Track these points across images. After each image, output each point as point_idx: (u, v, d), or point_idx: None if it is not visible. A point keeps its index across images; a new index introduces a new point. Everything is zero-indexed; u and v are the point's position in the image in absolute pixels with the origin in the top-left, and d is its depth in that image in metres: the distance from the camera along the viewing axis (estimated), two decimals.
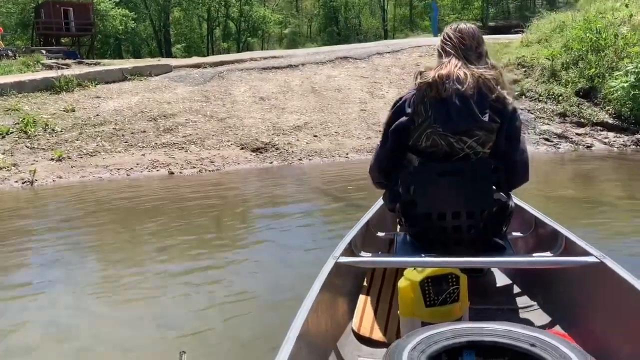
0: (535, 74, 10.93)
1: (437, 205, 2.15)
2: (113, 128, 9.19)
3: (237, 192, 6.61)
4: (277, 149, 8.77)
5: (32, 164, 7.70)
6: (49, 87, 10.31)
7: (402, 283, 1.96)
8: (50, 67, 13.96)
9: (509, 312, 2.30)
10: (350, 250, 2.36)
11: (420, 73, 2.17)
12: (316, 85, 12.31)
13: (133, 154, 8.39)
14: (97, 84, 11.03)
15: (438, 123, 2.09)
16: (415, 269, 1.97)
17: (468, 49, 2.18)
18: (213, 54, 45.65)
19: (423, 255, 2.12)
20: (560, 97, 9.89)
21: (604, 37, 10.13)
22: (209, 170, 7.77)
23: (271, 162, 8.23)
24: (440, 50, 2.24)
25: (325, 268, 2.02)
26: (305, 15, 64.15)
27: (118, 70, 11.63)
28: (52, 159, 7.89)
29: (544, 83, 10.49)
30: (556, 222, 2.54)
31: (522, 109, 9.99)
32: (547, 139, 8.78)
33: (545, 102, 10.02)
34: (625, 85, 8.75)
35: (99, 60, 16.02)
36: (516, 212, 2.42)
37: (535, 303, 2.34)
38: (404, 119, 2.18)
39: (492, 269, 2.64)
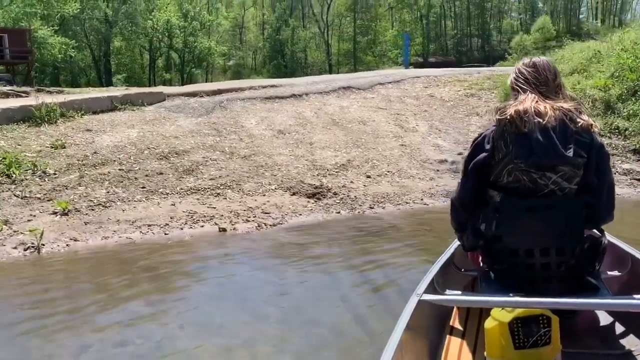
0: (586, 106, 9.99)
1: (525, 242, 2.06)
2: (119, 169, 7.25)
3: (329, 257, 4.96)
4: (334, 194, 7.14)
5: (30, 220, 5.66)
6: (27, 117, 8.19)
7: (489, 323, 1.86)
8: (7, 95, 11.68)
9: (604, 357, 2.13)
10: (432, 288, 2.32)
11: (499, 109, 2.13)
12: (334, 116, 10.85)
13: (159, 203, 6.49)
14: (83, 114, 9.00)
15: (520, 158, 2.02)
16: (503, 309, 1.87)
17: (543, 83, 2.12)
18: (155, 85, 43.44)
19: (510, 294, 1.98)
20: (627, 132, 8.94)
21: None
22: (270, 225, 6.02)
23: (338, 212, 6.59)
24: (515, 87, 2.19)
25: (408, 306, 2.04)
26: (249, 48, 63.06)
27: (107, 99, 9.63)
28: (55, 213, 5.86)
29: (600, 116, 9.55)
30: None
31: None
32: (639, 180, 7.72)
33: (610, 138, 9.05)
34: None
35: (62, 89, 13.80)
36: (609, 249, 2.32)
37: (635, 349, 2.16)
38: (483, 155, 2.14)
39: (586, 310, 2.39)
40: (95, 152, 7.61)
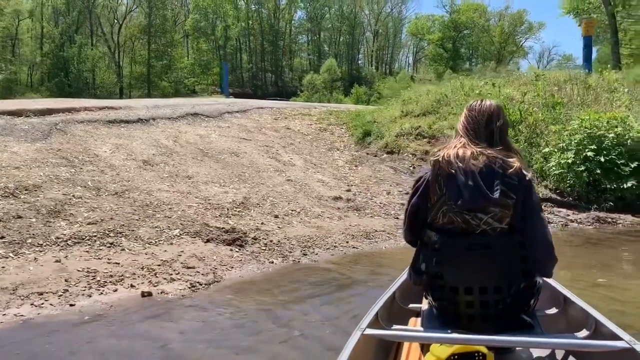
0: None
1: (464, 280, 2.10)
2: None
3: None
4: (254, 239, 6.06)
5: None
6: None
7: (428, 359, 1.93)
8: None
9: None
10: (376, 322, 2.36)
11: (433, 153, 2.21)
12: (199, 146, 9.67)
13: (36, 259, 4.69)
14: None
15: (452, 201, 2.08)
16: (442, 344, 1.95)
17: (473, 128, 2.18)
18: None
19: (449, 331, 2.09)
20: None
21: (510, 112, 10.32)
22: (204, 284, 4.71)
23: (271, 262, 5.53)
24: (457, 130, 2.29)
25: (351, 340, 2.05)
26: (23, 62, 55.28)
27: None
28: None
29: None
30: (585, 302, 2.51)
31: None
32: None
33: None
34: (570, 162, 8.84)
35: None
36: (544, 288, 2.42)
37: None
38: (418, 198, 2.22)
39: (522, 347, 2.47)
40: None
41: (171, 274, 4.85)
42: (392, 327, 2.41)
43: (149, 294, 4.39)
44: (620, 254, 6.60)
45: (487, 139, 2.17)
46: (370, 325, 2.21)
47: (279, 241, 6.12)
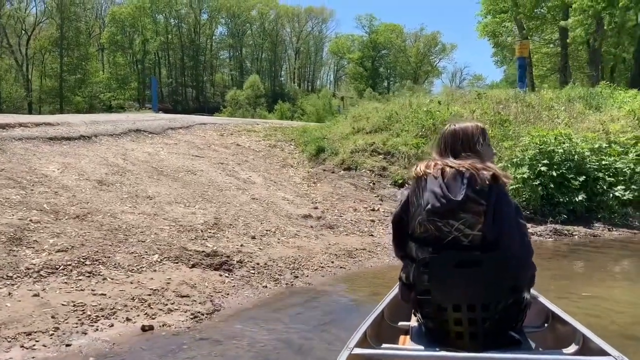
0: (402, 162, 10.61)
1: (453, 298, 2.12)
2: None
3: None
4: (240, 262, 5.71)
5: None
6: None
7: None
8: None
9: None
10: (364, 341, 2.34)
11: (414, 168, 2.37)
12: (152, 164, 9.13)
13: (10, 294, 4.10)
14: None
15: (421, 208, 2.21)
16: None
17: (441, 146, 2.39)
18: None
19: (438, 349, 2.12)
20: None
21: None
22: (206, 314, 4.33)
23: (265, 286, 5.21)
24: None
25: (339, 359, 2.04)
26: None
27: None
28: None
29: None
30: (572, 317, 2.54)
31: None
32: None
33: None
34: (525, 176, 9.17)
35: None
36: (532, 305, 2.43)
37: None
38: (400, 209, 2.38)
39: None
40: None
41: (166, 304, 4.42)
42: (381, 346, 2.37)
43: (150, 327, 3.96)
44: (592, 265, 6.86)
45: (461, 154, 2.30)
46: (358, 345, 2.20)
47: (265, 264, 5.81)
